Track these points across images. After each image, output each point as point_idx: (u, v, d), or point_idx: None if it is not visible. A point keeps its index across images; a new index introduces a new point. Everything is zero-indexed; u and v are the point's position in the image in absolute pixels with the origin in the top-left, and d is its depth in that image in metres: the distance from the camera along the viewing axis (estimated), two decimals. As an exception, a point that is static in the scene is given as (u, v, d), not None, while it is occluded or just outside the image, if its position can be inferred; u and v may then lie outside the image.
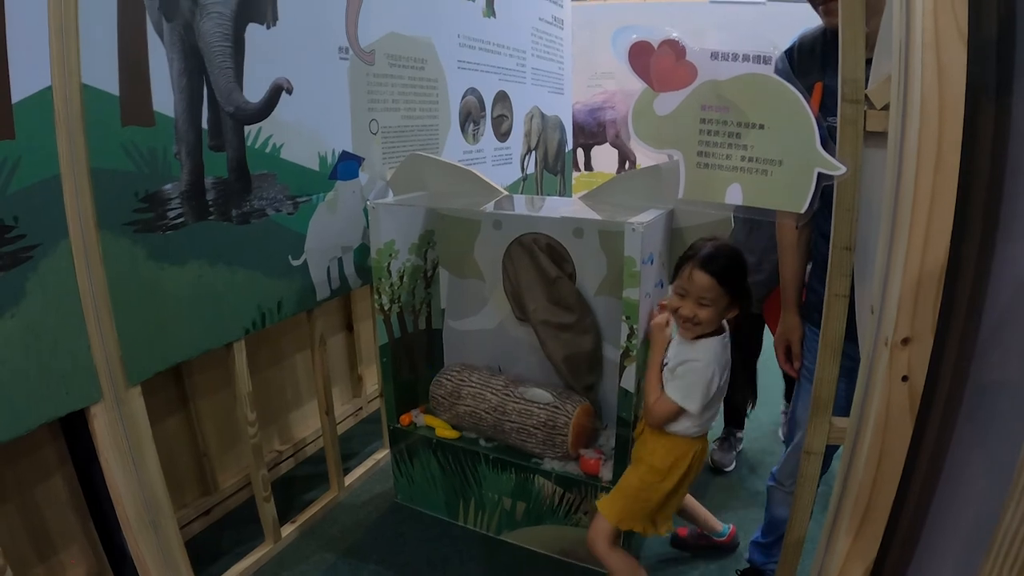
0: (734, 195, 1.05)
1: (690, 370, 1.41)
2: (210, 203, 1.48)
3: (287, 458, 2.31)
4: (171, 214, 1.38)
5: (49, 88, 1.11)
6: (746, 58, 0.99)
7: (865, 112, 0.89)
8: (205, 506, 1.98)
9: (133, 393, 1.35)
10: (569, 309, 1.88)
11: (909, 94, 0.69)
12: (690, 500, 1.79)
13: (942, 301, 0.70)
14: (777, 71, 1.00)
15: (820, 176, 0.96)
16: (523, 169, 3.14)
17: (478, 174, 1.96)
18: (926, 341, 0.72)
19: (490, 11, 2.65)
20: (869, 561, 0.83)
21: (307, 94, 1.71)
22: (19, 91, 1.07)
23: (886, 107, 0.82)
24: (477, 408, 1.89)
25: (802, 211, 0.99)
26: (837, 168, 0.93)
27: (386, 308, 1.95)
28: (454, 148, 2.48)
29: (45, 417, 1.19)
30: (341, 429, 2.43)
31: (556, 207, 2.06)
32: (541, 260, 1.90)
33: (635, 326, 1.52)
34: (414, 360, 2.11)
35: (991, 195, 0.70)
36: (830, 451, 1.09)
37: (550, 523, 1.84)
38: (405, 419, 2.03)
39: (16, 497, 1.47)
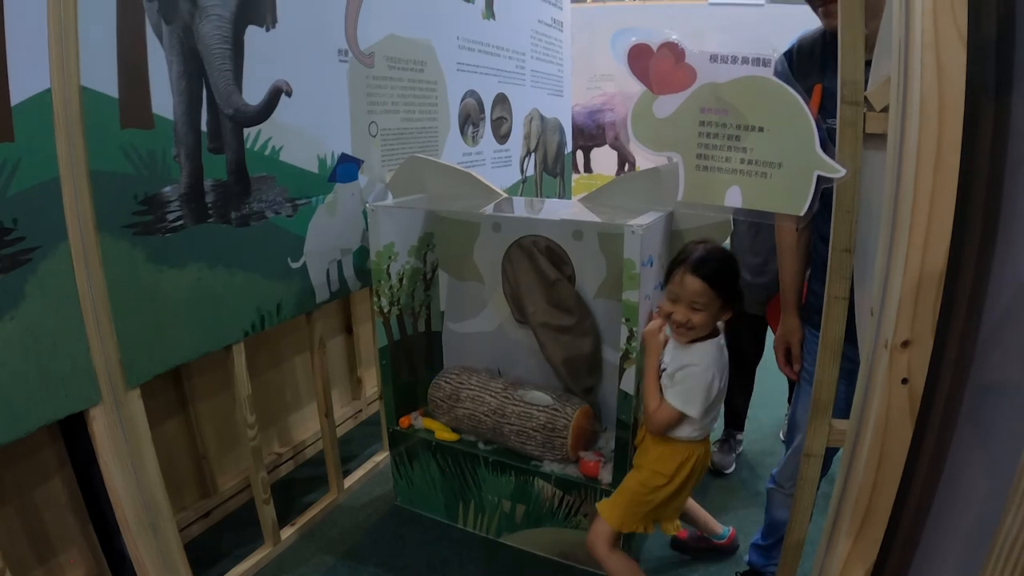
0: (733, 198, 1.05)
1: (689, 375, 1.41)
2: (209, 205, 1.48)
3: (286, 460, 2.31)
4: (170, 216, 1.38)
5: (48, 90, 1.12)
6: (745, 60, 0.99)
7: (864, 114, 0.89)
8: (204, 508, 1.97)
9: (132, 396, 1.35)
10: (568, 311, 1.88)
11: (908, 95, 0.69)
12: (690, 502, 1.79)
13: (942, 302, 0.70)
14: (776, 73, 1.00)
15: (819, 178, 0.96)
16: (522, 171, 3.14)
17: (477, 176, 1.96)
18: (926, 343, 0.72)
19: (489, 13, 2.65)
20: (869, 563, 0.83)
21: (306, 96, 1.71)
22: (18, 93, 1.07)
23: (885, 109, 0.82)
24: (476, 411, 1.89)
25: (801, 214, 0.99)
26: (837, 171, 0.93)
27: (385, 310, 1.95)
28: (453, 150, 2.48)
29: (44, 419, 1.19)
30: (340, 431, 2.43)
31: (555, 209, 2.05)
32: (540, 262, 1.90)
33: (635, 328, 1.52)
34: (413, 362, 2.11)
35: (991, 195, 0.70)
36: (830, 453, 1.09)
37: (550, 526, 1.83)
38: (404, 421, 2.03)
39: (15, 499, 1.46)
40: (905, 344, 0.72)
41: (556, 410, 1.78)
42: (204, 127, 1.45)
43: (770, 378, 2.36)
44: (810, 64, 1.37)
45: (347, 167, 1.91)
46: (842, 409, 1.01)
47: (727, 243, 1.64)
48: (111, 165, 1.24)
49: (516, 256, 1.95)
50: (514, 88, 2.94)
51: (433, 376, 2.05)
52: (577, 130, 5.34)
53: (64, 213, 1.16)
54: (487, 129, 2.74)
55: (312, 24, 1.71)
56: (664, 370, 1.46)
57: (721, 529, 1.86)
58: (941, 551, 0.76)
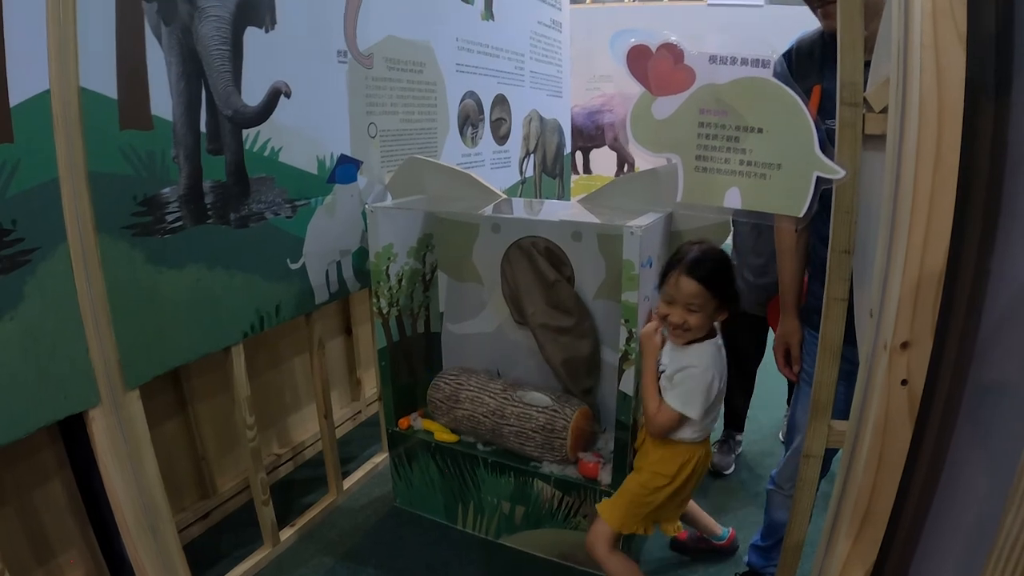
0: (732, 199, 1.04)
1: (688, 376, 1.41)
2: (208, 207, 1.48)
3: (286, 462, 2.30)
4: (169, 218, 1.38)
5: (47, 92, 1.12)
6: (744, 62, 0.99)
7: (864, 115, 0.89)
8: (204, 510, 1.97)
9: (131, 397, 1.35)
10: (567, 313, 1.88)
11: (908, 97, 0.69)
12: (691, 503, 1.78)
13: (941, 303, 0.70)
14: (775, 74, 1.00)
15: (818, 180, 0.96)
16: (522, 172, 3.14)
17: (477, 177, 1.96)
18: (925, 345, 0.72)
19: (488, 14, 2.65)
20: (869, 564, 0.83)
21: (305, 98, 1.71)
22: (17, 94, 1.07)
23: (885, 110, 0.82)
24: (475, 412, 1.89)
25: (800, 215, 0.99)
26: (836, 172, 0.93)
27: (385, 312, 1.95)
28: (452, 151, 2.48)
29: (43, 421, 1.18)
30: (340, 433, 2.43)
31: (555, 210, 2.05)
32: (540, 264, 1.90)
33: (634, 329, 1.52)
34: (413, 364, 2.11)
35: (990, 196, 0.70)
36: (829, 454, 1.09)
37: (549, 527, 1.83)
38: (404, 423, 2.03)
39: (14, 501, 1.46)
40: (904, 345, 0.72)
41: (555, 411, 1.78)
42: (203, 128, 1.45)
43: (770, 379, 2.36)
44: (809, 65, 1.37)
45: (346, 168, 1.91)
46: (841, 410, 1.01)
47: (729, 243, 1.64)
48: (110, 166, 1.24)
49: (515, 257, 1.95)
50: (513, 89, 2.94)
51: (432, 377, 2.05)
52: (576, 131, 5.34)
53: (63, 214, 1.16)
54: (486, 130, 2.74)
55: (311, 25, 1.71)
56: (663, 372, 1.46)
57: (721, 530, 1.86)
58: (941, 551, 0.76)
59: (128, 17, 1.25)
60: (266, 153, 1.62)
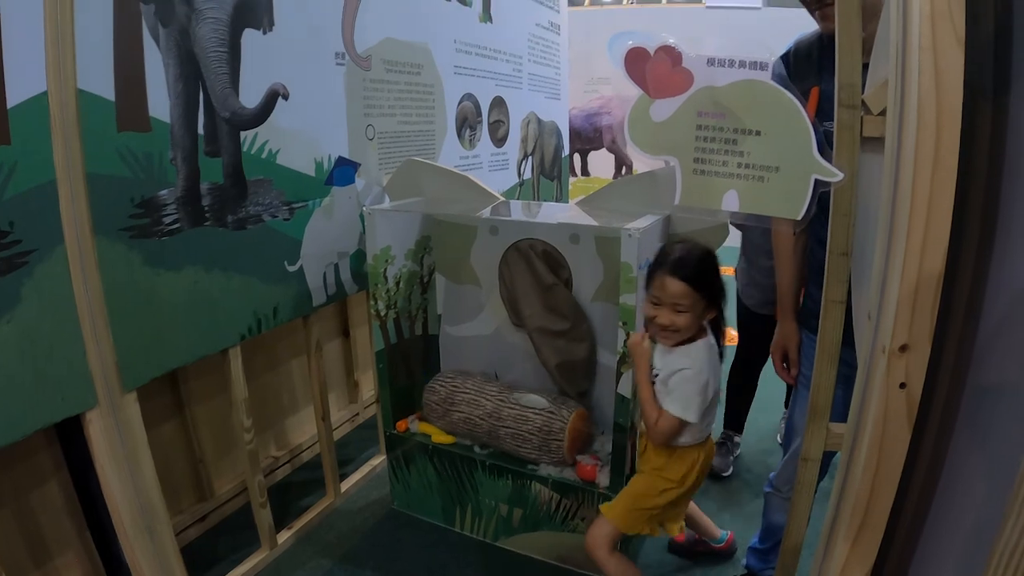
0: (730, 201, 1.05)
1: (683, 379, 1.40)
2: (206, 209, 1.48)
3: (283, 464, 2.30)
4: (167, 220, 1.38)
5: (45, 93, 1.11)
6: (742, 64, 0.99)
7: (862, 117, 0.89)
8: (201, 512, 1.97)
9: (129, 399, 1.34)
10: (564, 316, 1.88)
11: (906, 99, 0.69)
12: (691, 505, 1.78)
13: (940, 306, 0.70)
14: (773, 77, 1.00)
15: (816, 182, 0.96)
16: (520, 174, 3.14)
17: (474, 180, 1.95)
18: (924, 348, 0.72)
19: (487, 16, 2.66)
20: (867, 568, 0.83)
21: (303, 99, 1.70)
22: (15, 96, 1.07)
23: (883, 112, 0.82)
24: (472, 414, 1.88)
25: (799, 218, 0.99)
26: (834, 174, 0.93)
27: (382, 314, 1.95)
28: (450, 153, 2.48)
29: (40, 423, 1.18)
30: (337, 435, 2.42)
31: (553, 213, 2.05)
32: (537, 266, 1.90)
33: (632, 332, 1.52)
34: (410, 366, 2.11)
35: (989, 198, 0.70)
36: (827, 457, 1.09)
37: (547, 529, 1.83)
38: (401, 425, 2.03)
39: (11, 503, 1.46)
40: (903, 348, 0.72)
41: (552, 413, 1.78)
42: (201, 130, 1.44)
43: (768, 382, 2.35)
44: (807, 67, 1.37)
45: (344, 170, 1.91)
46: (840, 413, 1.00)
47: (728, 245, 1.64)
48: (107, 168, 1.24)
49: (513, 260, 1.95)
50: (511, 91, 2.95)
51: (430, 379, 2.05)
52: (574, 133, 5.35)
53: (60, 216, 1.16)
54: (484, 132, 2.74)
55: (309, 27, 1.71)
56: (656, 376, 1.45)
57: (719, 533, 1.86)
58: (939, 555, 0.76)
59: (125, 19, 1.25)
60: (264, 155, 1.61)
